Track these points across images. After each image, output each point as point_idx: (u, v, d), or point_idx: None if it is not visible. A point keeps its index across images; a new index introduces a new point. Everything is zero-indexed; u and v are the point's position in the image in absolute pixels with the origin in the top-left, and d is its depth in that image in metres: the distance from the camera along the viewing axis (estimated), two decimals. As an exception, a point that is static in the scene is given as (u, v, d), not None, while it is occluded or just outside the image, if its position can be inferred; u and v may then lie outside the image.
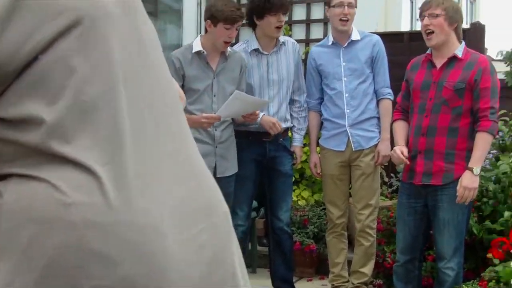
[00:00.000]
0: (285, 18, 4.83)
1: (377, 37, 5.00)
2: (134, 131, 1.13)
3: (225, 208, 1.32)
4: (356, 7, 4.89)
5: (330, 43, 4.98)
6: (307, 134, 5.19)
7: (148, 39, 1.25)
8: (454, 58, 4.11)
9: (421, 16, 4.18)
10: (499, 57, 7.32)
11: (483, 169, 5.29)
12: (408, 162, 4.16)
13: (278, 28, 4.75)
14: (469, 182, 3.94)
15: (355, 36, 4.91)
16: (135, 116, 1.15)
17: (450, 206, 4.05)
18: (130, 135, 1.12)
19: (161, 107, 1.24)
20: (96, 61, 1.11)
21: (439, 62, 4.14)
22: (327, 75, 4.96)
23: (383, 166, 5.87)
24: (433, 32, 4.08)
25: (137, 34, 1.22)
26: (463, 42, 4.18)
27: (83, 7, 1.11)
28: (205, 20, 4.51)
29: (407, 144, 4.27)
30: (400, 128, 4.35)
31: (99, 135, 1.09)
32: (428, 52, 4.24)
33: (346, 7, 4.78)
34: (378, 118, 4.90)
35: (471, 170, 3.95)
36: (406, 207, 4.26)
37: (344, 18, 4.80)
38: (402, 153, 4.14)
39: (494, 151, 5.38)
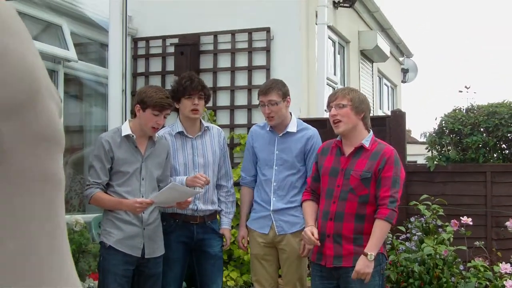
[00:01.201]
0: (202, 102, 4.87)
1: (313, 132, 5.00)
2: None
3: None
4: (284, 98, 4.88)
5: (268, 128, 5.04)
6: (235, 215, 5.19)
7: None
8: (361, 148, 4.23)
9: (329, 107, 4.31)
10: (423, 139, 7.57)
11: (408, 251, 5.38)
12: (318, 244, 4.19)
13: (193, 110, 4.80)
14: (362, 267, 4.01)
15: (291, 128, 4.96)
16: None
17: (363, 286, 4.07)
18: None
19: None
20: None
21: (347, 150, 4.26)
22: (260, 159, 5.02)
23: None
24: (340, 121, 4.19)
25: None
26: (371, 132, 4.31)
27: None
28: (135, 104, 4.53)
29: (316, 225, 4.31)
30: (310, 208, 4.40)
31: None
32: (338, 138, 4.35)
33: (266, 107, 4.86)
34: None
35: (366, 255, 4.01)
36: None
37: (269, 117, 4.89)
38: (313, 234, 4.17)
39: (419, 234, 5.48)
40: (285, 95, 4.90)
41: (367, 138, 4.25)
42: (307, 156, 4.91)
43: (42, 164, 0.94)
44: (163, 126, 4.70)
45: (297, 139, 4.94)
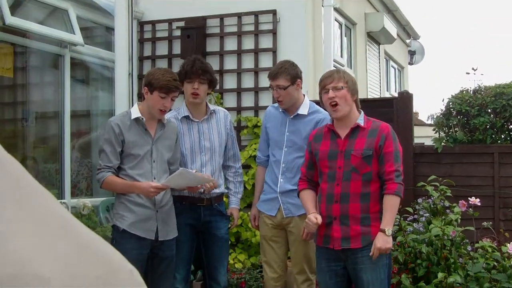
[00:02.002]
0: (204, 87, 4.83)
1: (324, 115, 4.86)
2: None
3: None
4: (293, 81, 4.84)
5: (281, 109, 5.02)
6: (242, 197, 5.21)
7: None
8: (357, 128, 4.22)
9: (324, 89, 4.25)
10: (430, 121, 7.55)
11: (416, 232, 5.39)
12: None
13: (193, 94, 4.80)
14: (383, 243, 4.00)
15: (302, 110, 4.92)
16: None
17: (373, 266, 4.09)
18: None
19: None
20: None
21: (342, 133, 4.23)
22: (271, 140, 5.03)
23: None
24: (337, 104, 4.18)
25: None
26: (362, 112, 4.31)
27: None
28: (143, 86, 4.53)
29: (319, 212, 4.29)
30: (308, 196, 4.38)
31: None
32: (329, 122, 4.35)
33: (275, 91, 4.86)
34: None
35: (383, 231, 4.01)
36: (326, 271, 4.26)
37: (278, 100, 4.89)
38: (317, 219, 4.16)
39: (427, 215, 5.48)
40: (294, 78, 4.84)
41: (360, 118, 4.25)
42: None
43: None
44: (170, 109, 4.70)
45: (307, 121, 4.91)
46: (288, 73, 4.84)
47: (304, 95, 5.01)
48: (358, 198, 4.12)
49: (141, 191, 4.34)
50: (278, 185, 4.93)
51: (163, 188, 4.35)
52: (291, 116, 4.94)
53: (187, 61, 4.89)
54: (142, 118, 4.48)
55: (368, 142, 4.15)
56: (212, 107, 5.01)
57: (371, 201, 4.12)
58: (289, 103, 4.89)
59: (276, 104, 5.13)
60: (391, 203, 4.08)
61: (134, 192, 4.38)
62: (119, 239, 4.38)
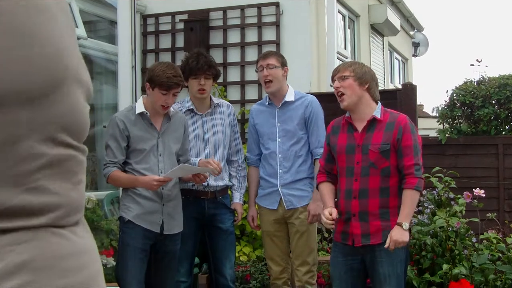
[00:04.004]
0: (209, 82, 4.85)
1: (311, 98, 5.02)
2: None
3: None
4: (283, 66, 4.94)
5: (267, 103, 5.04)
6: (246, 190, 5.20)
7: None
8: (374, 120, 4.15)
9: (333, 82, 4.23)
10: (435, 113, 7.53)
11: (421, 223, 5.39)
12: (333, 227, 4.14)
13: (200, 90, 4.80)
14: (399, 237, 3.96)
15: (289, 97, 4.96)
16: None
17: (390, 260, 4.06)
18: None
19: None
20: None
21: (359, 125, 4.17)
22: (262, 135, 5.02)
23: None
24: (344, 93, 4.15)
25: None
26: (379, 103, 4.22)
27: None
28: (146, 81, 4.52)
29: (336, 206, 4.24)
30: (327, 189, 4.31)
31: None
32: (347, 115, 4.26)
33: (265, 70, 4.87)
34: (312, 178, 4.92)
35: (400, 225, 3.98)
36: (343, 265, 4.21)
37: (266, 80, 4.88)
38: (331, 215, 4.11)
39: (431, 206, 5.48)
40: (283, 64, 4.97)
41: (377, 109, 4.17)
42: (308, 122, 4.91)
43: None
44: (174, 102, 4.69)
45: (296, 106, 4.95)
46: (279, 56, 5.01)
47: (288, 85, 5.04)
48: (377, 193, 4.06)
49: (144, 185, 4.34)
50: (278, 177, 4.93)
51: (166, 181, 4.35)
52: (279, 106, 4.96)
53: (191, 56, 4.87)
54: (147, 113, 4.47)
55: (386, 136, 4.08)
56: (216, 100, 5.01)
57: (390, 196, 4.06)
58: (277, 86, 4.91)
59: (260, 101, 5.23)
60: (411, 198, 4.02)
61: (138, 186, 4.39)
62: (125, 229, 4.41)
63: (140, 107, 4.50)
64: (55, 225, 0.97)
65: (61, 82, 0.92)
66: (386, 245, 3.95)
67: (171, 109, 4.57)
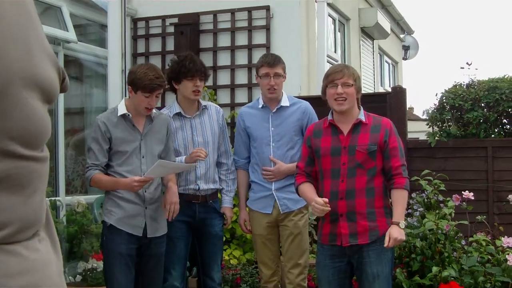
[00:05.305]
0: (203, 83, 4.87)
1: (306, 104, 5.04)
2: None
3: None
4: (285, 76, 4.98)
5: (260, 106, 5.03)
6: (236, 194, 5.19)
7: None
8: (359, 123, 4.22)
9: (332, 83, 4.23)
10: (425, 116, 7.56)
11: (410, 226, 5.40)
12: (329, 208, 4.13)
13: (195, 91, 4.80)
14: (398, 235, 4.01)
15: (284, 102, 4.97)
16: None
17: (379, 260, 4.10)
18: None
19: None
20: None
21: (345, 128, 4.22)
22: (255, 139, 5.00)
23: (312, 225, 5.91)
24: (346, 99, 4.19)
25: None
26: (362, 108, 4.31)
27: None
28: (127, 84, 4.51)
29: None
30: (310, 188, 4.32)
31: None
32: (329, 118, 4.28)
33: (272, 78, 4.88)
34: None
35: (397, 224, 4.03)
36: (330, 267, 4.23)
37: (271, 89, 4.89)
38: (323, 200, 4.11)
39: (421, 209, 5.50)
40: (284, 70, 4.99)
41: (360, 113, 4.26)
42: (306, 128, 4.91)
43: None
44: (163, 106, 4.67)
45: (291, 112, 4.96)
46: (283, 63, 4.99)
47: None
48: (364, 193, 4.12)
49: (125, 187, 4.30)
50: (273, 182, 4.93)
51: (146, 181, 4.32)
52: (274, 110, 4.96)
53: (186, 58, 4.84)
54: (129, 115, 4.46)
55: (372, 137, 4.15)
56: (203, 102, 5.00)
57: (376, 196, 4.12)
58: (279, 94, 4.94)
59: (250, 104, 5.22)
60: (402, 197, 4.12)
61: (119, 188, 4.37)
62: (108, 234, 4.39)
63: (122, 109, 4.48)
64: (4, 243, 0.91)
65: (3, 90, 0.86)
66: (386, 244, 3.99)
67: (154, 110, 4.57)
